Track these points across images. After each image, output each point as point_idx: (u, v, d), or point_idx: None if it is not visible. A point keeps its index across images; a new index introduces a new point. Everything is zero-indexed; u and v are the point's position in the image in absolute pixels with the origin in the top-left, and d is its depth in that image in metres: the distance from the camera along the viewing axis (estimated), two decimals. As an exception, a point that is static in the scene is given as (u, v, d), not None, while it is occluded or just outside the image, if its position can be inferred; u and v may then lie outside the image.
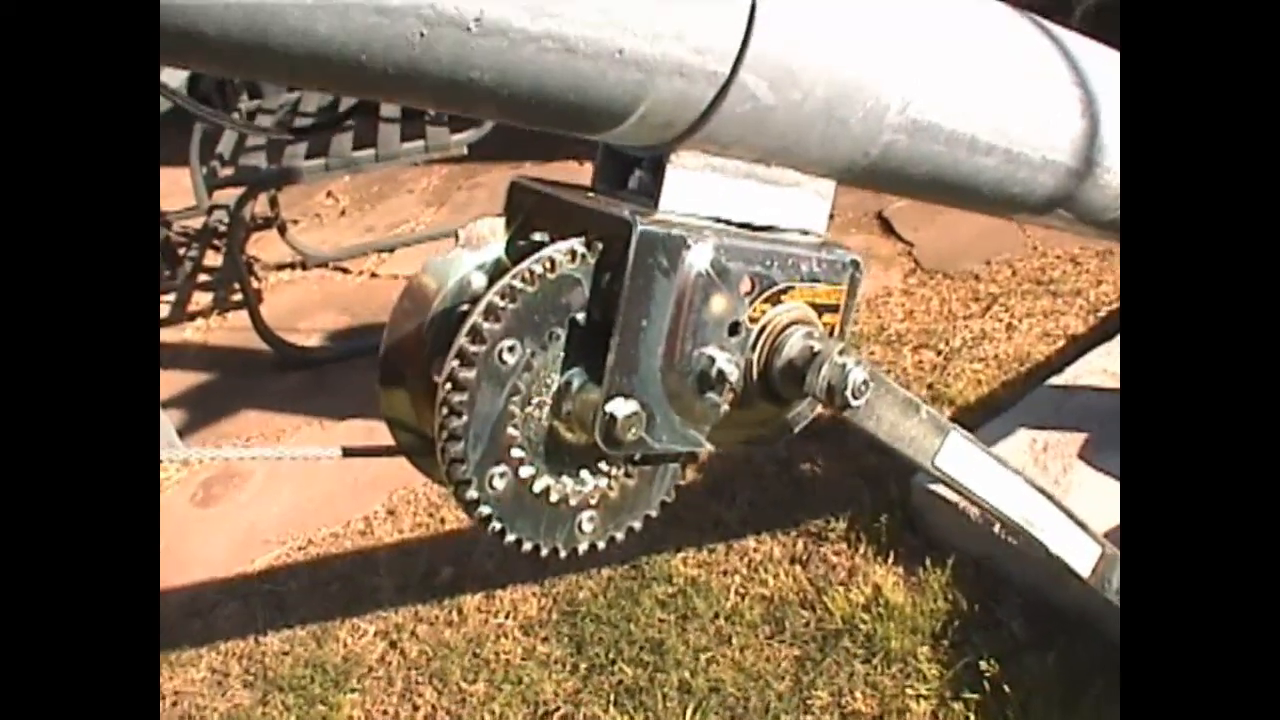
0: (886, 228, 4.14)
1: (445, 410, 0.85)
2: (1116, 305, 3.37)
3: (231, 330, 4.61)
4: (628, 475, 0.97)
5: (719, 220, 0.94)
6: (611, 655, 2.59)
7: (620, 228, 0.86)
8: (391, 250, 5.05)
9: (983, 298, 3.60)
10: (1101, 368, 2.88)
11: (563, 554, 0.96)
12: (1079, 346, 3.15)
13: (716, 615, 2.63)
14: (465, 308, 0.93)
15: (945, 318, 3.54)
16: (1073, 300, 3.47)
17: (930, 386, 3.20)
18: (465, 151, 4.12)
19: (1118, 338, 3.00)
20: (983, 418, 2.90)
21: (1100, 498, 2.44)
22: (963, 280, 3.72)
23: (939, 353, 3.36)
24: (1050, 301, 3.49)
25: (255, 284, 4.73)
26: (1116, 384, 2.79)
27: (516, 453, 0.89)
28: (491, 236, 0.95)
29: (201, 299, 4.92)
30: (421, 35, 0.72)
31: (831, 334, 0.99)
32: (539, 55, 0.76)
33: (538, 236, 0.93)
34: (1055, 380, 2.91)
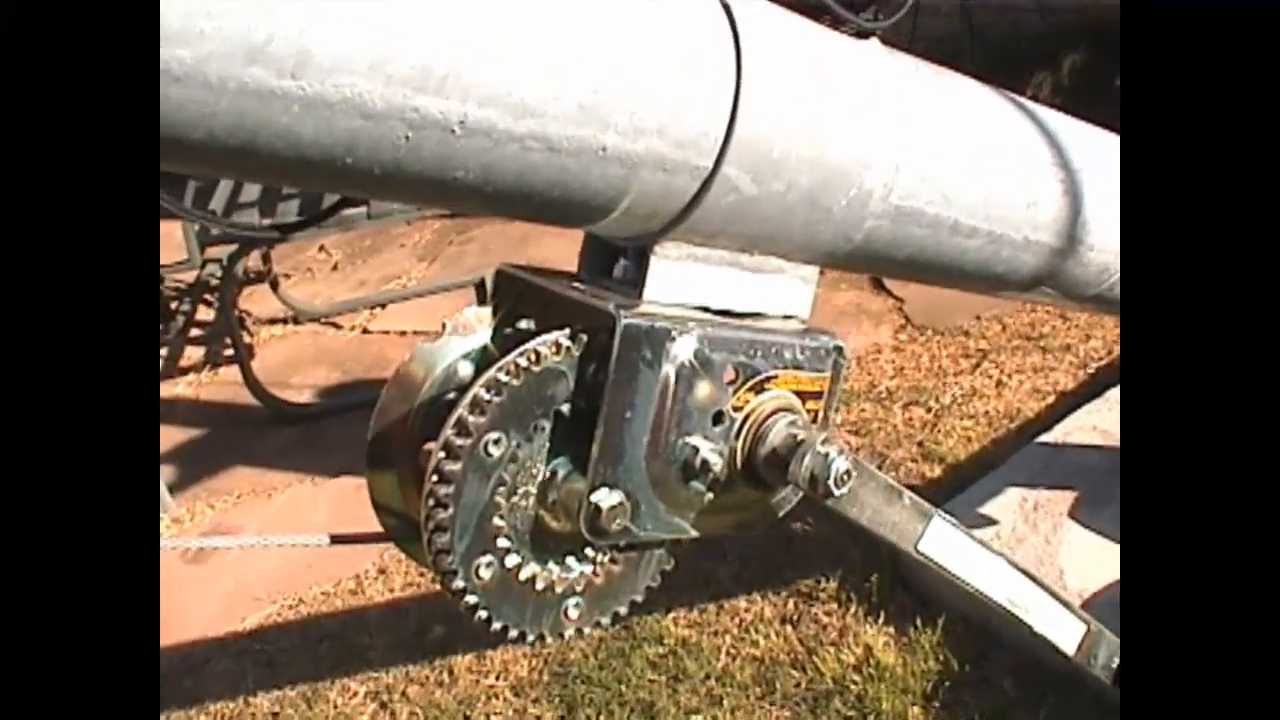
0: (877, 283, 4.16)
1: (432, 502, 0.85)
2: (1106, 361, 3.38)
3: (223, 385, 4.60)
4: (613, 562, 0.97)
5: (703, 309, 0.94)
6: (603, 717, 2.58)
7: (605, 321, 0.87)
8: (383, 305, 5.04)
9: (973, 354, 3.62)
10: (1091, 425, 2.89)
11: (549, 640, 0.96)
12: (1069, 403, 3.16)
13: (707, 676, 2.62)
14: (452, 396, 0.93)
15: (935, 374, 3.56)
16: (1062, 356, 3.48)
17: (920, 444, 3.20)
18: (457, 207, 4.13)
19: (1108, 394, 3.01)
20: (973, 475, 2.91)
21: (1091, 556, 2.44)
22: (953, 336, 3.74)
23: (929, 410, 3.37)
24: (1040, 357, 3.50)
25: (247, 339, 4.72)
26: (1106, 441, 2.80)
27: (502, 542, 0.90)
28: (478, 324, 0.96)
29: (193, 354, 4.91)
30: (406, 138, 0.73)
31: (815, 421, 0.99)
32: (523, 154, 0.78)
33: (524, 324, 0.94)
34: (1045, 438, 2.92)
